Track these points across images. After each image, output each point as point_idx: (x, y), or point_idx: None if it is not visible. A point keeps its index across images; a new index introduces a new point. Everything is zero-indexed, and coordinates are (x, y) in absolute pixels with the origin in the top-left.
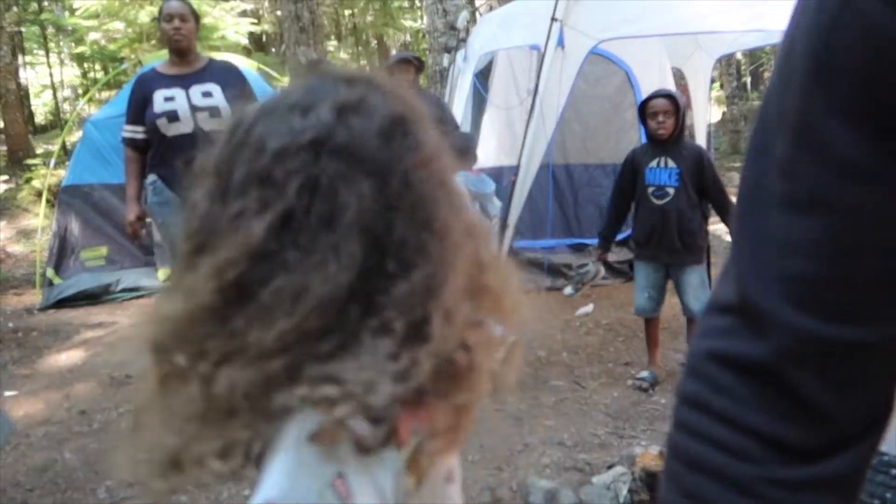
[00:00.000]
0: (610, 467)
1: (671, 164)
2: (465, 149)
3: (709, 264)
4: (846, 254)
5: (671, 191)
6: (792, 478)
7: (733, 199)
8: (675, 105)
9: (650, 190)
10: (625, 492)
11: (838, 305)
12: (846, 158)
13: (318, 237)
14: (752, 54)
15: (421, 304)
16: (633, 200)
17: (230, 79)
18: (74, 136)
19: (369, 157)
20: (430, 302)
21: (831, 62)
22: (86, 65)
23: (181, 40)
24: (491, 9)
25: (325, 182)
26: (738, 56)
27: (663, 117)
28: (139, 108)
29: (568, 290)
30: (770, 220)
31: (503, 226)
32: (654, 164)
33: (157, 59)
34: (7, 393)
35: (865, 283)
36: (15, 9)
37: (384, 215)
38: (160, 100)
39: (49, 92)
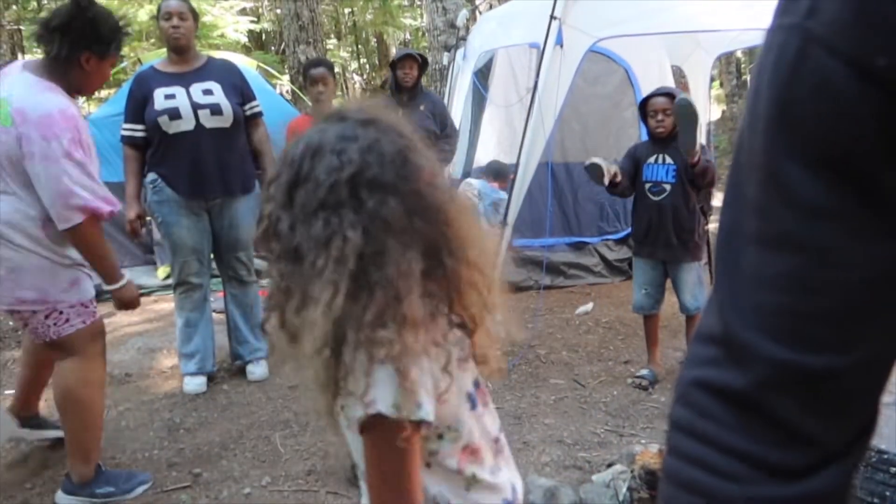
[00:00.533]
0: (609, 465)
1: (668, 160)
2: (501, 172)
3: (709, 262)
4: (816, 288)
5: (668, 187)
6: (780, 496)
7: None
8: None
9: (647, 186)
10: (624, 490)
11: (812, 336)
12: (809, 201)
13: (384, 233)
14: (752, 52)
15: (454, 261)
16: (631, 190)
17: (229, 77)
18: None
19: (389, 182)
20: (461, 262)
21: (790, 112)
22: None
23: (180, 38)
24: (490, 7)
25: (369, 203)
26: (738, 54)
27: (662, 116)
28: (138, 106)
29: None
30: (746, 257)
31: (503, 223)
32: (651, 160)
33: (157, 57)
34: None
35: (837, 315)
36: (14, 7)
37: (410, 219)
38: (160, 98)
39: None
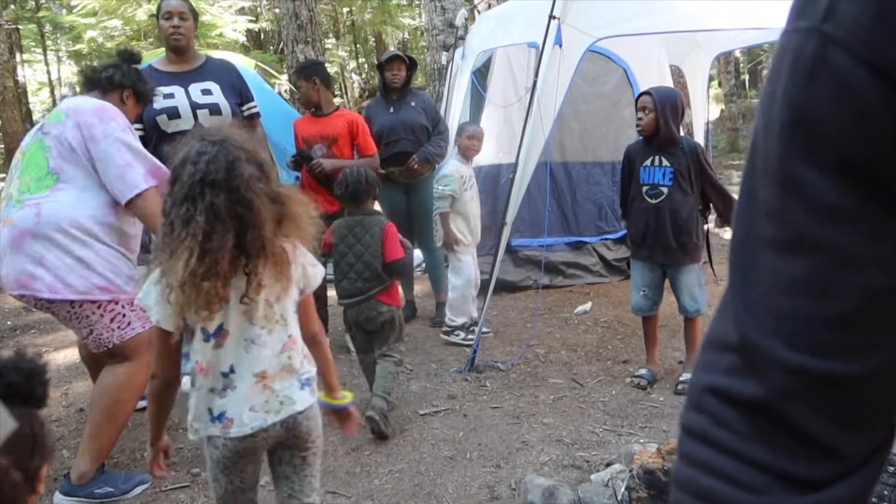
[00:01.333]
0: (608, 465)
1: (665, 162)
2: (462, 129)
3: (710, 261)
4: (832, 293)
5: (665, 190)
6: None
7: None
8: (654, 102)
9: (644, 189)
10: (623, 489)
11: (829, 342)
12: (826, 204)
13: (215, 220)
14: (751, 52)
15: (256, 233)
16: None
17: (228, 77)
18: None
19: (221, 182)
20: (258, 230)
21: (807, 115)
22: (83, 62)
23: (180, 38)
24: (489, 6)
25: (207, 197)
26: (737, 54)
27: (641, 114)
28: None
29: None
30: (761, 261)
31: (502, 223)
32: (648, 162)
33: (155, 56)
34: None
35: (853, 320)
36: (12, 6)
37: (233, 207)
38: (159, 97)
39: (47, 90)
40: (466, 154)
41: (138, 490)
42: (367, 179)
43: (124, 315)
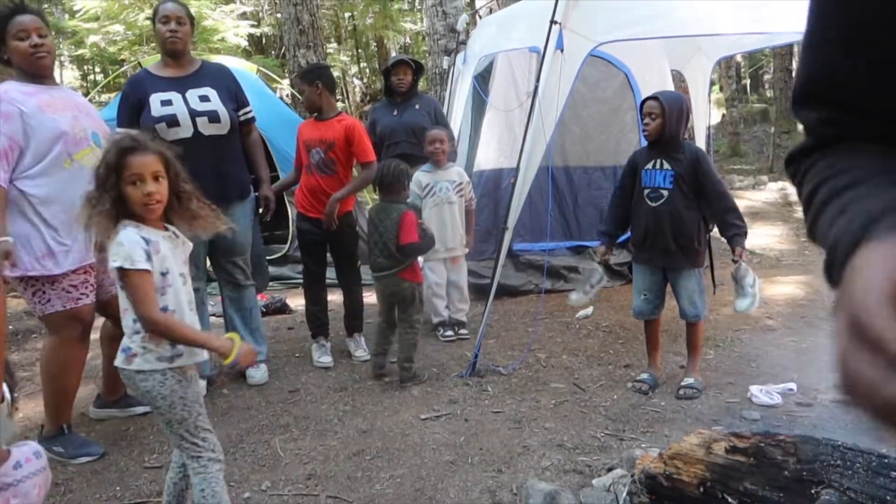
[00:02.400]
0: (610, 469)
1: (666, 165)
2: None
3: (712, 267)
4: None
5: (665, 193)
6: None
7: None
8: (662, 107)
9: (646, 192)
10: (624, 494)
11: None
12: None
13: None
14: (752, 57)
15: (189, 195)
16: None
17: (224, 82)
18: None
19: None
20: (192, 199)
21: None
22: (86, 67)
23: (177, 42)
24: (491, 11)
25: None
26: (738, 58)
27: (648, 119)
28: (133, 110)
29: (574, 295)
30: (811, 24)
31: (503, 227)
32: (649, 165)
33: (157, 61)
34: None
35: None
36: None
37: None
38: (157, 103)
39: None
40: (433, 159)
41: (82, 460)
42: (394, 173)
43: (44, 292)
